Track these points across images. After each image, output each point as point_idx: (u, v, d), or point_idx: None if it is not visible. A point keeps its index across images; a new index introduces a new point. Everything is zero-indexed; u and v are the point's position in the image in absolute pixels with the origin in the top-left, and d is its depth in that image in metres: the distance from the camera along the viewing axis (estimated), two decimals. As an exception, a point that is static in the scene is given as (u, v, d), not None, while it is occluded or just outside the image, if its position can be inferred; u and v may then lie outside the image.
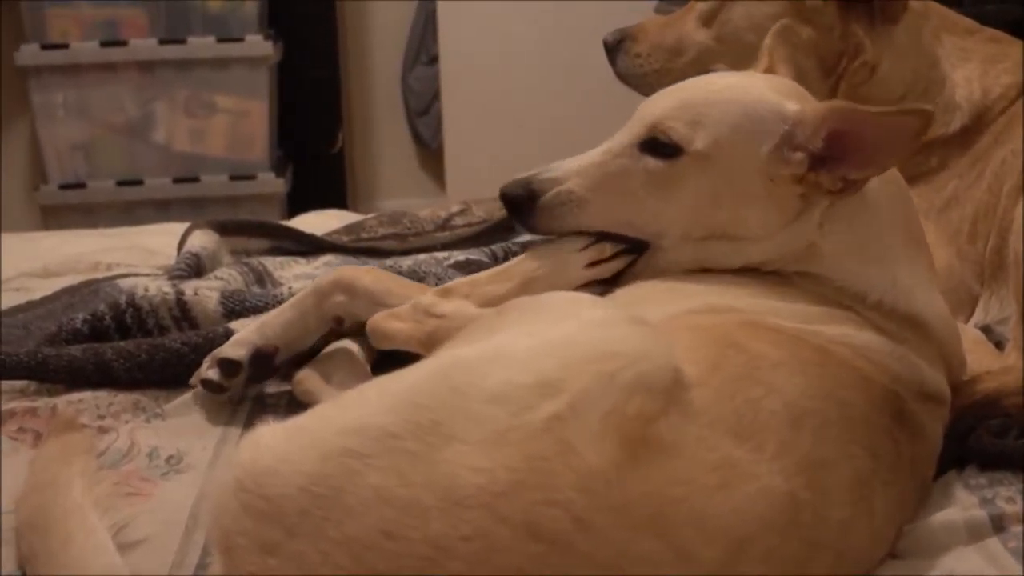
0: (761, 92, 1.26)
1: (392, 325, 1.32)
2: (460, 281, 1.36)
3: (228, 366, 1.42)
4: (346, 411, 0.94)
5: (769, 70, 1.40)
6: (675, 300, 1.21)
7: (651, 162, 1.27)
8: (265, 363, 1.43)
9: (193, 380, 1.44)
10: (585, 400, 0.93)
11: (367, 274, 1.41)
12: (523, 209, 1.31)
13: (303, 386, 1.42)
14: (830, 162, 1.21)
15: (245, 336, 1.43)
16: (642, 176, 1.28)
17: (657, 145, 1.26)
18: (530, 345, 0.99)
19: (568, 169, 1.31)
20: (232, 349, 1.43)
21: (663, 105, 1.28)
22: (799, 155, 1.22)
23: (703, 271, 1.27)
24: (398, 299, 1.35)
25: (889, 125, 1.18)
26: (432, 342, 1.23)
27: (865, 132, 1.19)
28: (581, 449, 0.90)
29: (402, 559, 0.86)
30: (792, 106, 1.24)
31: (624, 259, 1.31)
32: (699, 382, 1.01)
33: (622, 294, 1.27)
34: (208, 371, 1.42)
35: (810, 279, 1.25)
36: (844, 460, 1.05)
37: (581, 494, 0.88)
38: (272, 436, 0.94)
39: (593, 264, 1.31)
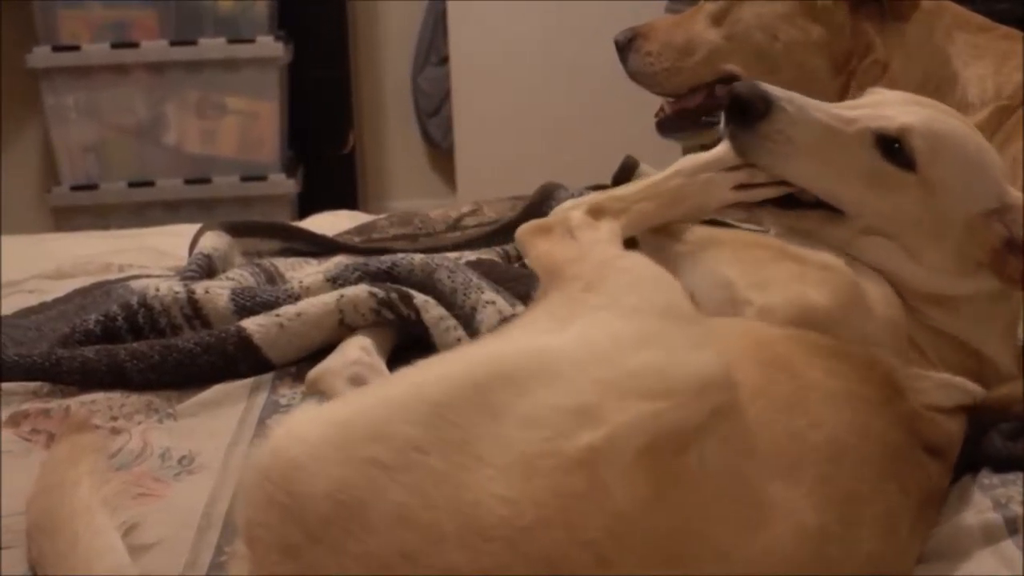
0: (996, 162, 1.31)
1: (536, 239, 1.26)
2: (612, 196, 1.33)
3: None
4: (378, 407, 0.90)
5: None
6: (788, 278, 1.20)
7: (879, 159, 1.27)
8: None
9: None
10: (623, 434, 0.88)
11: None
12: (744, 117, 1.28)
13: (317, 385, 1.42)
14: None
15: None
16: (865, 165, 1.27)
17: (895, 149, 1.26)
18: (578, 358, 0.93)
19: (805, 112, 1.28)
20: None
21: (920, 115, 1.28)
22: (1002, 231, 1.26)
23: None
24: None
25: None
26: (561, 272, 1.15)
27: None
28: (613, 487, 0.86)
29: None
30: (1015, 193, 1.29)
31: (775, 188, 1.30)
32: (740, 407, 0.98)
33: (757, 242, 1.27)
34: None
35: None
36: (878, 496, 1.04)
37: (608, 536, 0.85)
38: (304, 425, 0.90)
39: (742, 187, 1.30)
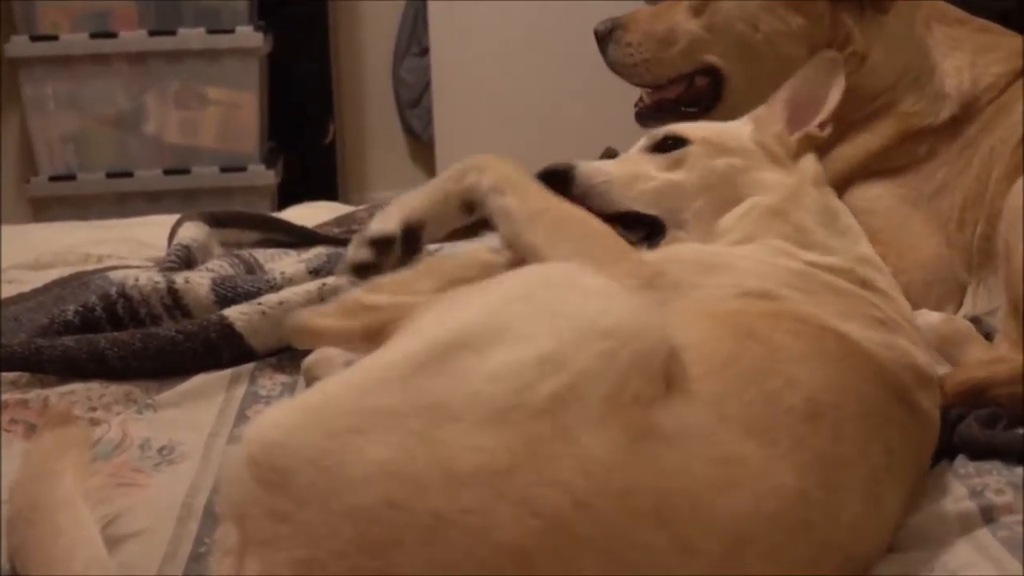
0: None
1: (319, 323, 1.24)
2: (385, 278, 1.30)
3: (381, 243, 1.38)
4: (350, 389, 0.95)
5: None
6: (709, 277, 1.21)
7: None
8: (415, 237, 1.39)
9: (340, 269, 1.43)
10: (585, 382, 0.93)
11: (501, 161, 1.40)
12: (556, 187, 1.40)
13: (313, 372, 1.42)
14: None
15: (389, 213, 1.40)
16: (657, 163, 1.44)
17: (668, 144, 1.45)
18: (529, 315, 0.98)
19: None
20: (381, 225, 1.39)
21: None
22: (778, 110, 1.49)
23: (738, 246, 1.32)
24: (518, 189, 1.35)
25: None
26: (372, 335, 1.16)
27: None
28: (580, 435, 0.91)
29: (404, 528, 0.87)
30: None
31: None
32: (712, 373, 1.01)
33: (658, 258, 1.27)
34: (359, 252, 1.38)
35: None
36: (860, 458, 1.05)
37: (581, 476, 0.89)
38: (280, 413, 0.95)
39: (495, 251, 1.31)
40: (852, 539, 1.02)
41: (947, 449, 1.25)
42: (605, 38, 1.87)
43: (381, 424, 0.90)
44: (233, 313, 1.51)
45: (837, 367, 1.09)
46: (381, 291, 1.26)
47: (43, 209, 4.09)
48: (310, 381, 1.43)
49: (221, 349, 1.50)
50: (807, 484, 0.98)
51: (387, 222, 1.39)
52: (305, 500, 0.89)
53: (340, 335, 1.25)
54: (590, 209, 1.34)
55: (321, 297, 1.51)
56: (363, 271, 1.37)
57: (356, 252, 1.39)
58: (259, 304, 1.52)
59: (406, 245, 1.39)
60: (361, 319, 1.22)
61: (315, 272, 1.60)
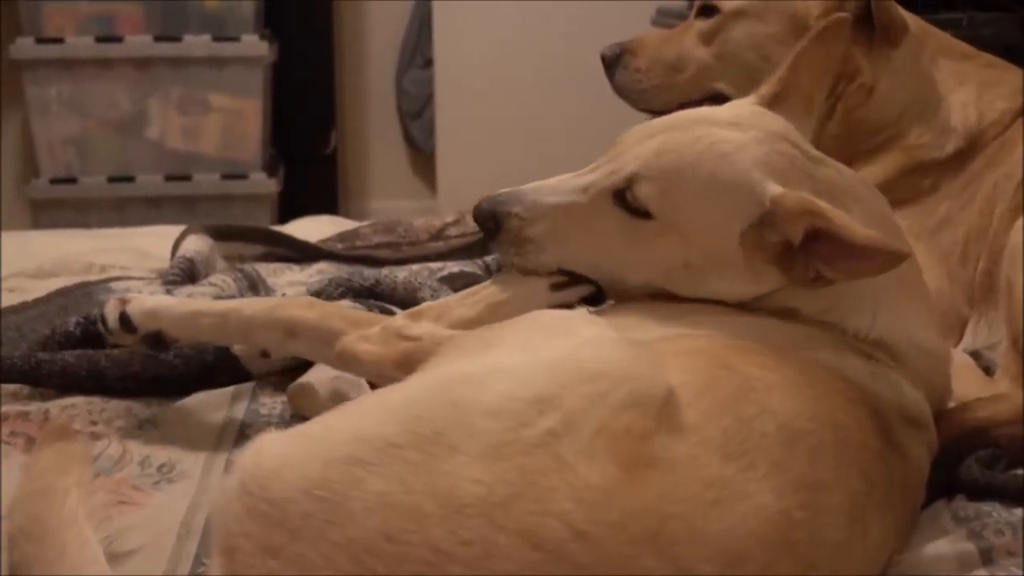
0: (746, 168, 1.20)
1: (362, 347, 1.27)
2: (429, 305, 1.34)
3: (128, 324, 1.37)
4: (349, 420, 0.96)
5: (779, 95, 1.34)
6: (649, 327, 1.19)
7: (622, 215, 1.23)
8: (159, 346, 1.40)
9: (94, 313, 1.42)
10: (577, 418, 0.94)
11: (311, 310, 1.35)
12: (491, 234, 1.29)
13: (297, 400, 1.43)
14: (806, 253, 1.18)
15: (161, 311, 1.38)
16: (613, 227, 1.24)
17: (628, 201, 1.23)
18: (527, 361, 1.00)
19: (536, 206, 1.27)
20: (141, 314, 1.38)
21: (642, 154, 1.23)
22: (775, 239, 1.19)
23: (673, 298, 1.25)
24: (347, 333, 1.30)
25: (861, 249, 1.14)
26: (407, 363, 1.19)
27: (839, 241, 1.14)
28: (575, 464, 0.92)
29: (402, 563, 0.87)
30: (773, 190, 1.18)
31: (584, 287, 1.29)
32: (689, 402, 1.02)
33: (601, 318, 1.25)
34: (111, 312, 1.38)
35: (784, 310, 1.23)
36: (838, 483, 1.05)
37: (578, 506, 0.90)
38: (275, 443, 0.95)
39: (559, 287, 1.29)
40: (838, 560, 1.02)
41: (946, 489, 1.25)
42: (613, 63, 1.87)
43: (380, 455, 0.91)
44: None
45: (807, 396, 1.09)
46: (422, 318, 1.29)
47: (43, 211, 4.09)
48: (294, 408, 1.43)
49: (218, 372, 1.50)
50: (788, 504, 0.99)
51: (147, 317, 1.38)
52: (299, 531, 0.89)
53: (378, 363, 1.27)
54: None
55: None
56: (100, 327, 1.39)
57: (110, 310, 1.38)
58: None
59: (150, 345, 1.39)
60: (397, 348, 1.25)
61: (317, 295, 1.60)
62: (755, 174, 1.20)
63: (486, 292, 1.33)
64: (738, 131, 1.23)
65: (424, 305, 1.35)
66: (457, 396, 0.96)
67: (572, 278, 1.29)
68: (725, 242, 1.21)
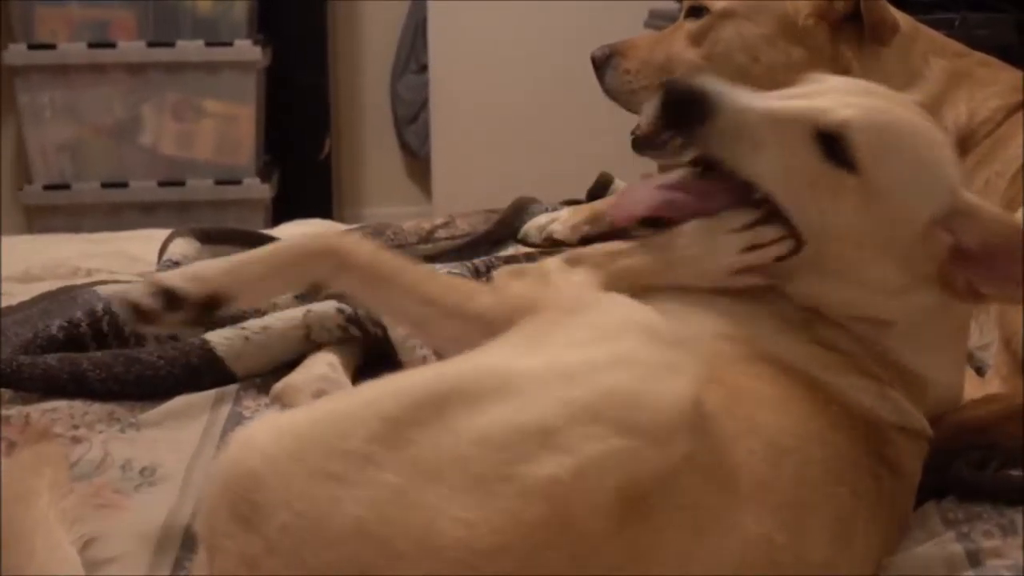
0: (950, 158, 1.17)
1: (511, 283, 1.17)
2: (595, 249, 1.22)
3: (172, 299, 1.17)
4: (334, 422, 0.89)
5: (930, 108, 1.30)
6: (690, 320, 1.14)
7: (817, 157, 1.14)
8: (215, 306, 1.20)
9: (120, 302, 1.24)
10: (595, 472, 0.85)
11: (363, 247, 1.21)
12: (692, 117, 1.15)
13: (281, 399, 1.41)
14: (973, 264, 1.14)
15: (204, 272, 1.20)
16: (801, 165, 1.15)
17: (835, 148, 1.14)
18: (543, 377, 0.90)
19: (751, 108, 1.16)
20: (185, 282, 1.18)
21: (864, 106, 1.16)
22: (949, 239, 1.15)
23: (722, 292, 1.19)
24: (394, 280, 1.19)
25: None
26: (525, 309, 1.08)
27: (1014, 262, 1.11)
28: (580, 523, 0.84)
29: None
30: (968, 194, 1.15)
31: (786, 246, 1.17)
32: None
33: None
34: (145, 297, 1.17)
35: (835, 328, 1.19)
36: (825, 500, 1.03)
37: (571, 566, 0.84)
38: (261, 436, 0.89)
39: (750, 249, 1.18)
40: None
41: (936, 491, 1.24)
42: (603, 64, 1.87)
43: (359, 475, 0.84)
44: (215, 337, 1.50)
45: (801, 412, 1.07)
46: (584, 262, 1.19)
47: (36, 217, 4.08)
48: (279, 408, 1.41)
49: (202, 373, 1.48)
50: (768, 528, 0.96)
51: (193, 282, 1.19)
52: (276, 546, 0.85)
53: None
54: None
55: (306, 324, 1.50)
56: (138, 316, 1.18)
57: (142, 295, 1.18)
58: (243, 328, 1.51)
59: (198, 315, 1.20)
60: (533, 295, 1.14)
61: (302, 296, 1.59)
62: (952, 168, 1.18)
63: (664, 241, 1.20)
64: (935, 126, 1.22)
65: (590, 248, 1.23)
66: (450, 416, 0.86)
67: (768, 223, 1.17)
68: (910, 226, 1.15)
